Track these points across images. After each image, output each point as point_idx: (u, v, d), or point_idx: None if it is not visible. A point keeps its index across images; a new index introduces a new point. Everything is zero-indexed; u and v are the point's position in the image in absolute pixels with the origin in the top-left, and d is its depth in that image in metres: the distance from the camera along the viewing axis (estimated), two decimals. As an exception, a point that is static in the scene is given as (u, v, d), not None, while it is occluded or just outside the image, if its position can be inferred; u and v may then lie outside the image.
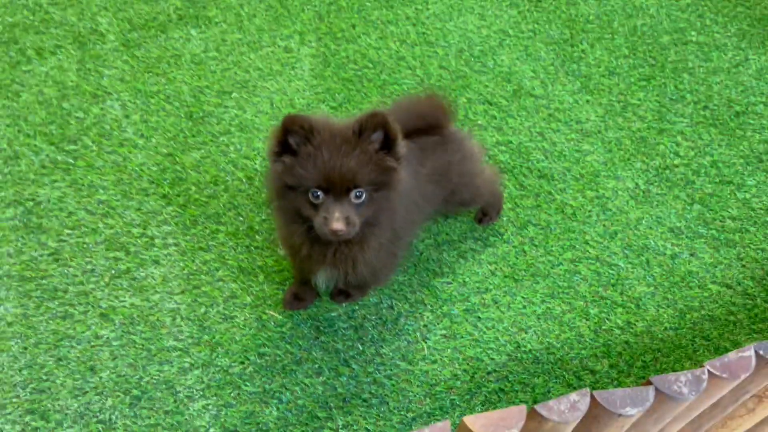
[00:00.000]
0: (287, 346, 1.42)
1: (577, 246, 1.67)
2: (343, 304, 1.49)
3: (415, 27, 2.19)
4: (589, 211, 1.75)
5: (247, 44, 2.04)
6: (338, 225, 1.11)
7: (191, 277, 1.49)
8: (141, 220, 1.57)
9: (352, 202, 1.14)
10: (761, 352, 0.86)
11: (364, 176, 1.12)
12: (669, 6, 2.38)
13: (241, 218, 1.62)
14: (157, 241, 1.54)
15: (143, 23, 2.04)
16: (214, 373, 1.36)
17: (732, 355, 0.85)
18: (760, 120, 2.02)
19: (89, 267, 1.48)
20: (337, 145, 1.11)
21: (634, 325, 1.54)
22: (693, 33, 2.29)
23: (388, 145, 1.15)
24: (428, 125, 1.39)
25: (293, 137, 1.13)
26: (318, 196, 1.13)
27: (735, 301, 1.59)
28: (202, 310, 1.44)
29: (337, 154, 1.11)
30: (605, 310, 1.56)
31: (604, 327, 1.53)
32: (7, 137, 1.69)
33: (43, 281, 1.44)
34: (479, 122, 1.93)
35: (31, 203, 1.57)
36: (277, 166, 1.14)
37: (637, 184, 1.82)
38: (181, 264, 1.51)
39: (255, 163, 1.73)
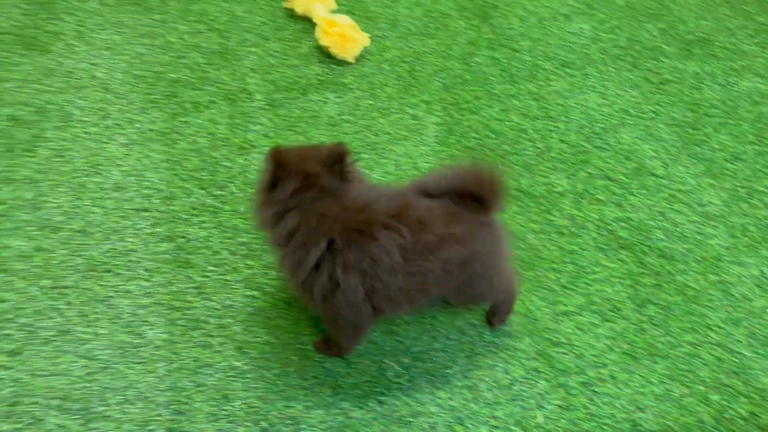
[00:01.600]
0: (405, 397, 1.48)
1: (698, 329, 1.65)
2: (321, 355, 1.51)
3: (537, 102, 2.27)
4: (711, 295, 1.72)
5: (378, 110, 2.19)
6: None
7: (318, 321, 1.59)
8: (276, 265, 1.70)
9: None
10: None
11: None
12: (799, 95, 2.35)
13: (366, 270, 1.71)
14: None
15: (287, 86, 2.24)
16: (335, 414, 1.43)
17: None
18: None
19: (228, 302, 1.61)
20: None
21: (759, 417, 1.48)
22: (825, 123, 2.24)
23: None
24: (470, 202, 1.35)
25: None
26: None
27: None
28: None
29: None
30: (727, 398, 1.51)
31: (726, 415, 1.48)
32: (165, 179, 1.89)
33: (188, 312, 1.58)
34: (599, 197, 1.96)
35: (182, 240, 1.74)
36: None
37: (762, 272, 1.78)
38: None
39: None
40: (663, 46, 2.55)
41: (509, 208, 1.90)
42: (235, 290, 1.64)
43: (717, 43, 2.58)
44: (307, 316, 1.59)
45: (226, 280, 1.66)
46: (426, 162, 2.02)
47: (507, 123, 2.19)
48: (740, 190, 2.01)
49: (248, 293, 1.63)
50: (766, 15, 2.74)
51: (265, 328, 1.56)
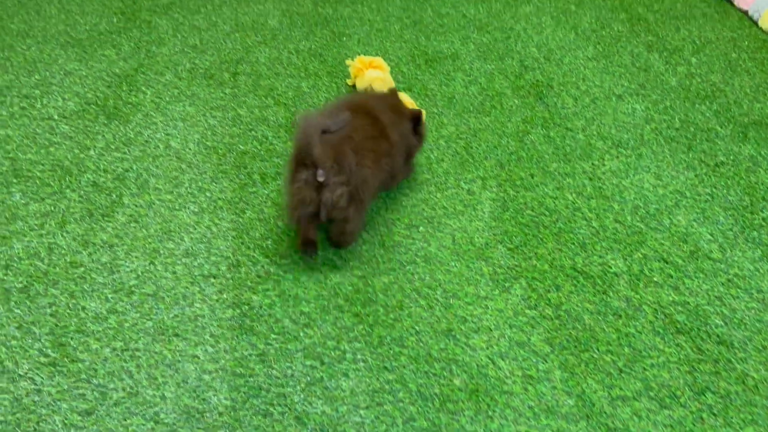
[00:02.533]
0: (459, 477, 1.48)
1: (760, 422, 1.61)
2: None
3: (591, 181, 2.32)
4: (774, 386, 1.69)
5: (434, 184, 2.27)
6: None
7: (375, 394, 1.62)
8: (335, 334, 1.75)
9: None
10: None
11: None
12: None
13: (421, 344, 1.75)
14: (348, 355, 1.71)
15: (348, 159, 2.34)
16: (391, 491, 1.44)
17: None
18: None
19: (289, 371, 1.66)
20: None
21: None
22: None
23: None
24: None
25: None
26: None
27: None
28: (383, 427, 1.55)
29: None
30: (794, 498, 1.47)
31: None
32: (233, 247, 1.98)
33: (251, 379, 1.64)
34: (655, 279, 1.97)
35: (247, 307, 1.81)
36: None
37: (828, 364, 1.74)
38: (367, 380, 1.65)
39: (436, 293, 1.88)
40: (717, 128, 2.58)
41: (564, 287, 1.92)
42: (296, 359, 1.69)
43: (773, 126, 2.59)
44: (362, 389, 1.63)
45: (287, 348, 1.71)
46: (481, 237, 2.07)
47: (561, 201, 2.23)
48: (801, 277, 1.99)
49: (308, 363, 1.68)
50: (822, 99, 2.75)
51: (322, 398, 1.60)
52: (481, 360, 1.72)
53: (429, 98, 2.68)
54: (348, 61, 2.70)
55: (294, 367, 1.67)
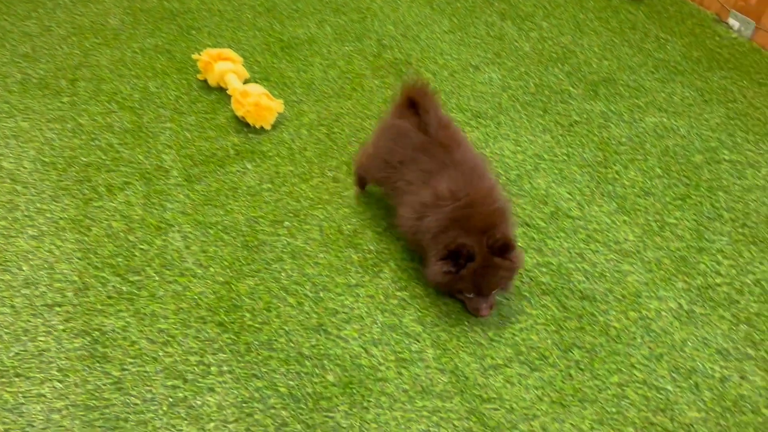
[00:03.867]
0: (337, 476, 1.44)
1: (623, 369, 1.67)
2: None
3: (453, 154, 2.32)
4: (634, 332, 1.76)
5: (298, 175, 2.20)
6: (485, 312, 1.73)
7: (244, 404, 1.54)
8: (198, 348, 1.65)
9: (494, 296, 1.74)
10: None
11: (505, 282, 1.72)
12: (699, 126, 2.47)
13: (292, 344, 1.68)
14: (213, 368, 1.61)
15: (204, 159, 2.22)
16: (265, 504, 1.38)
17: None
18: (801, 236, 2.04)
19: (149, 395, 1.55)
20: (487, 266, 1.66)
21: (689, 453, 1.50)
22: (725, 152, 2.36)
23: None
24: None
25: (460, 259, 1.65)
26: (471, 296, 1.73)
27: (793, 428, 1.55)
28: (255, 438, 1.48)
29: (487, 273, 1.67)
30: (657, 438, 1.53)
31: (656, 456, 1.50)
32: (78, 270, 1.83)
33: (106, 410, 1.51)
34: (519, 244, 2.00)
35: (98, 333, 1.67)
36: (445, 275, 1.69)
37: (680, 304, 1.84)
38: (235, 392, 1.57)
39: (305, 289, 1.82)
40: (570, 88, 2.66)
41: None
42: (156, 381, 1.58)
43: (621, 82, 2.71)
44: (230, 402, 1.55)
45: (145, 371, 1.60)
46: (349, 224, 2.03)
47: (426, 178, 2.22)
48: (653, 224, 2.08)
49: (169, 383, 1.58)
50: (663, 51, 2.90)
51: (187, 419, 1.51)
52: (354, 350, 1.68)
53: (287, 86, 2.59)
54: (195, 56, 2.56)
55: (154, 390, 1.56)
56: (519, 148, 2.36)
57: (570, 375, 1.66)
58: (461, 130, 1.96)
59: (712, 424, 1.56)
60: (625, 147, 2.38)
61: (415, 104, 1.87)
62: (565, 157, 2.33)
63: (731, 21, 3.01)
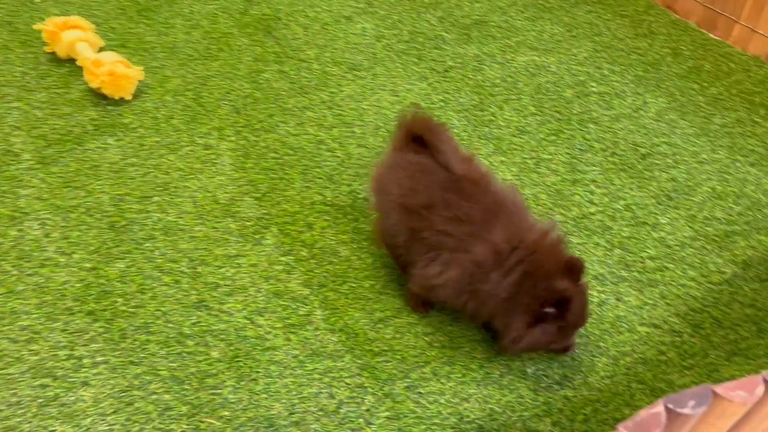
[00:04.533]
0: (229, 452, 1.39)
1: (508, 306, 1.71)
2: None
3: (331, 110, 2.26)
4: (516, 269, 1.79)
5: (165, 146, 2.06)
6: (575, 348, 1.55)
7: (123, 394, 1.45)
8: (67, 341, 1.54)
9: None
10: (671, 406, 0.89)
11: None
12: (568, 62, 2.53)
13: (170, 325, 1.60)
14: (85, 360, 1.50)
15: (59, 138, 2.04)
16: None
17: (643, 413, 0.88)
18: (665, 159, 2.14)
19: (14, 399, 1.43)
20: (580, 297, 1.43)
21: (572, 378, 1.56)
22: (593, 84, 2.43)
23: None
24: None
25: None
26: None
27: (664, 340, 1.65)
28: (137, 428, 1.40)
29: (583, 304, 1.45)
30: (542, 367, 1.58)
31: (542, 384, 1.55)
32: None
33: (-35, 422, 1.38)
34: (402, 195, 1.98)
35: (-51, 340, 1.52)
36: (551, 333, 1.43)
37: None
38: (112, 382, 1.47)
39: (181, 266, 1.73)
40: (444, 33, 2.64)
41: (317, 224, 1.87)
42: (21, 383, 1.45)
43: (492, 24, 2.71)
44: (107, 394, 1.45)
45: (9, 374, 1.47)
46: (225, 193, 1.93)
47: (304, 136, 2.15)
48: (529, 161, 2.12)
49: (37, 383, 1.46)
50: (531, -10, 2.93)
51: (60, 418, 1.40)
52: (239, 323, 1.62)
53: (148, 52, 2.41)
54: (37, 26, 2.32)
55: (20, 393, 1.44)
56: (397, 98, 2.33)
57: (458, 317, 1.68)
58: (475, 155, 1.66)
59: (592, 347, 1.63)
60: (500, 88, 2.40)
61: (420, 141, 1.55)
62: (443, 104, 2.32)
63: (593, -44, 3.08)
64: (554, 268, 1.41)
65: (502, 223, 1.44)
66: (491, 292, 1.42)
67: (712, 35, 2.69)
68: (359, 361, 1.56)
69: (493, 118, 2.28)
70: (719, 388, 0.92)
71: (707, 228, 1.93)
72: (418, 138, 1.56)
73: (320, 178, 2.01)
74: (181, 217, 1.85)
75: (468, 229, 1.44)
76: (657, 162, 2.13)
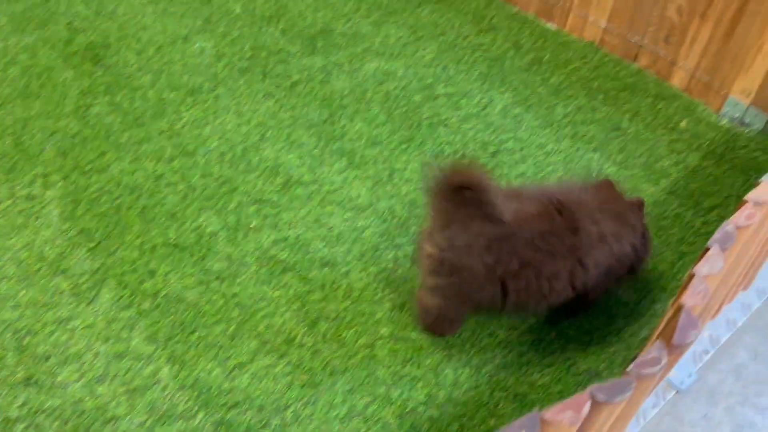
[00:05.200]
0: None
1: (369, 329, 1.66)
2: None
3: (170, 140, 2.11)
4: (375, 288, 1.75)
5: (-20, 203, 1.85)
6: None
7: None
8: None
9: None
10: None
11: None
12: (415, 65, 2.52)
13: (-6, 411, 1.42)
14: None
15: None
16: None
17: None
18: (513, 155, 2.17)
19: None
20: None
21: (436, 396, 1.54)
22: (441, 86, 2.43)
23: None
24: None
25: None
26: None
27: (523, 341, 1.66)
28: None
29: None
30: (406, 390, 1.54)
31: (407, 409, 1.51)
32: None
33: None
34: (252, 224, 1.88)
35: None
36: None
37: (413, 249, 1.86)
38: None
39: (4, 340, 1.54)
40: (288, 46, 2.55)
41: (160, 270, 1.73)
42: None
43: (337, 32, 2.65)
44: None
45: None
46: (53, 247, 1.75)
47: (141, 172, 2.00)
48: (382, 173, 2.08)
49: None
50: (374, -6, 2.89)
51: None
52: (75, 395, 1.47)
53: (-45, 97, 2.16)
54: None
55: None
56: (242, 119, 2.22)
57: (318, 350, 1.61)
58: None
59: (455, 359, 1.61)
60: (349, 99, 2.34)
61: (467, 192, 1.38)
62: (291, 121, 2.23)
63: (432, -45, 3.09)
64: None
65: (567, 211, 1.47)
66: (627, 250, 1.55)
67: (549, 25, 2.77)
68: (213, 417, 1.46)
69: (344, 131, 2.22)
70: (547, 414, 0.90)
71: (557, 220, 1.97)
72: (465, 190, 1.38)
73: (161, 217, 1.88)
74: (3, 283, 1.66)
75: (561, 243, 1.46)
76: (505, 159, 2.16)
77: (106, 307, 1.64)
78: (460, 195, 1.37)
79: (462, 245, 1.40)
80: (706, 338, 1.68)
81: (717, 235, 1.15)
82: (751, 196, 1.22)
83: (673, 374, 1.57)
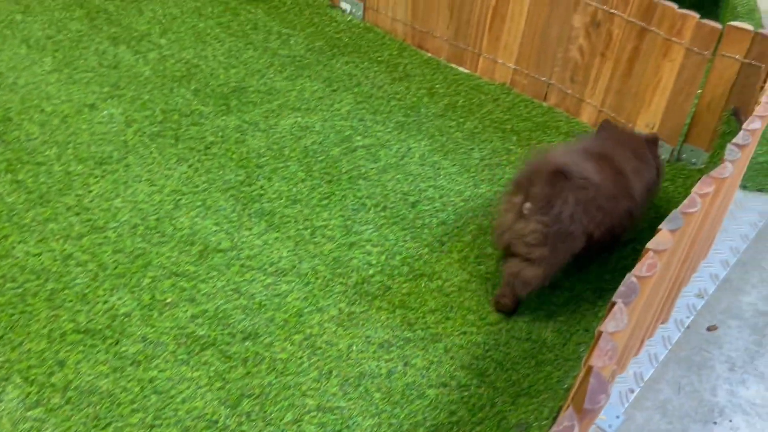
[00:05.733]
0: None
1: (296, 403, 1.61)
2: None
3: (78, 216, 2.02)
4: (300, 357, 1.70)
5: None
6: None
7: None
8: None
9: None
10: None
11: None
12: (332, 118, 2.51)
13: None
14: None
15: None
16: None
17: None
18: (433, 203, 2.18)
19: None
20: None
21: (368, 468, 1.49)
22: (359, 138, 2.43)
23: None
24: None
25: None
26: None
27: (453, 398, 1.64)
28: None
29: None
30: (337, 464, 1.49)
31: (338, 485, 1.46)
32: None
33: None
34: (169, 300, 1.81)
35: None
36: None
37: (340, 309, 1.83)
38: None
39: None
40: (201, 107, 2.51)
41: (69, 360, 1.63)
42: None
43: (251, 89, 2.63)
44: None
45: None
46: (-50, 347, 1.63)
47: (48, 255, 1.90)
48: (304, 232, 2.05)
49: None
50: (287, 47, 2.90)
51: None
52: None
53: None
54: None
55: None
56: (155, 187, 2.15)
57: (243, 431, 1.54)
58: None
59: (385, 426, 1.57)
60: (266, 158, 2.31)
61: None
62: (207, 185, 2.18)
63: (343, 4, 3.13)
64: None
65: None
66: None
67: (462, 69, 2.83)
68: None
69: (262, 191, 2.18)
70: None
71: (480, 267, 1.98)
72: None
73: (70, 301, 1.78)
74: None
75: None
76: (426, 208, 2.16)
77: (12, 407, 1.53)
78: (557, 178, 1.67)
79: (567, 216, 1.68)
80: (631, 376, 1.70)
81: (621, 288, 1.17)
82: (651, 245, 1.25)
83: (601, 418, 1.58)
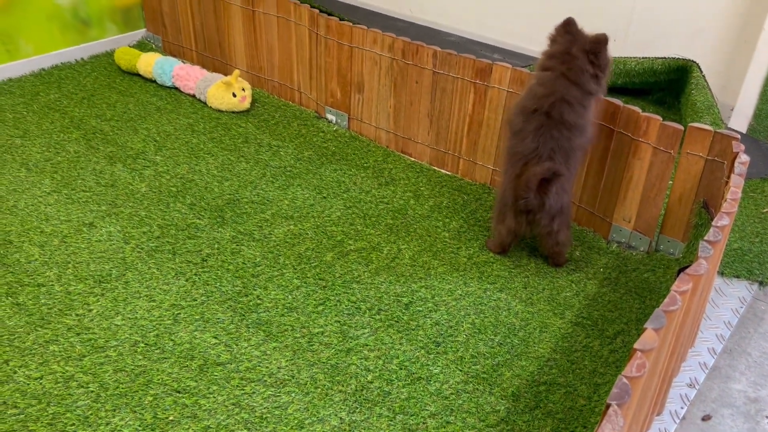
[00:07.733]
0: None
1: None
2: None
3: (79, 336, 2.05)
4: (304, 471, 1.70)
5: None
6: None
7: None
8: None
9: None
10: None
11: None
12: (323, 224, 2.61)
13: None
14: None
15: None
16: None
17: None
18: (426, 304, 2.24)
19: None
20: None
21: None
22: (350, 242, 2.52)
23: None
24: None
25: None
26: None
27: (459, 506, 1.64)
28: None
29: None
30: None
31: None
32: None
33: None
34: (171, 418, 1.82)
35: None
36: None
37: (341, 418, 1.85)
38: None
39: None
40: (197, 221, 2.60)
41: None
42: None
43: (245, 200, 2.74)
44: None
45: None
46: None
47: (49, 378, 1.91)
48: (301, 340, 2.09)
49: None
50: (278, 158, 3.03)
51: None
52: None
53: None
54: None
55: None
56: (153, 303, 2.20)
57: None
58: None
59: None
60: (261, 267, 2.38)
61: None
62: (204, 298, 2.24)
63: (329, 116, 3.31)
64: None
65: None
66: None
67: (444, 171, 2.98)
68: None
69: (259, 300, 2.24)
70: None
71: (475, 367, 2.02)
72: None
73: (72, 425, 1.78)
74: None
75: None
76: (419, 308, 2.22)
77: None
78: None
79: (565, 192, 2.26)
80: (633, 472, 1.72)
81: (614, 390, 1.23)
82: (638, 345, 1.32)
83: None
